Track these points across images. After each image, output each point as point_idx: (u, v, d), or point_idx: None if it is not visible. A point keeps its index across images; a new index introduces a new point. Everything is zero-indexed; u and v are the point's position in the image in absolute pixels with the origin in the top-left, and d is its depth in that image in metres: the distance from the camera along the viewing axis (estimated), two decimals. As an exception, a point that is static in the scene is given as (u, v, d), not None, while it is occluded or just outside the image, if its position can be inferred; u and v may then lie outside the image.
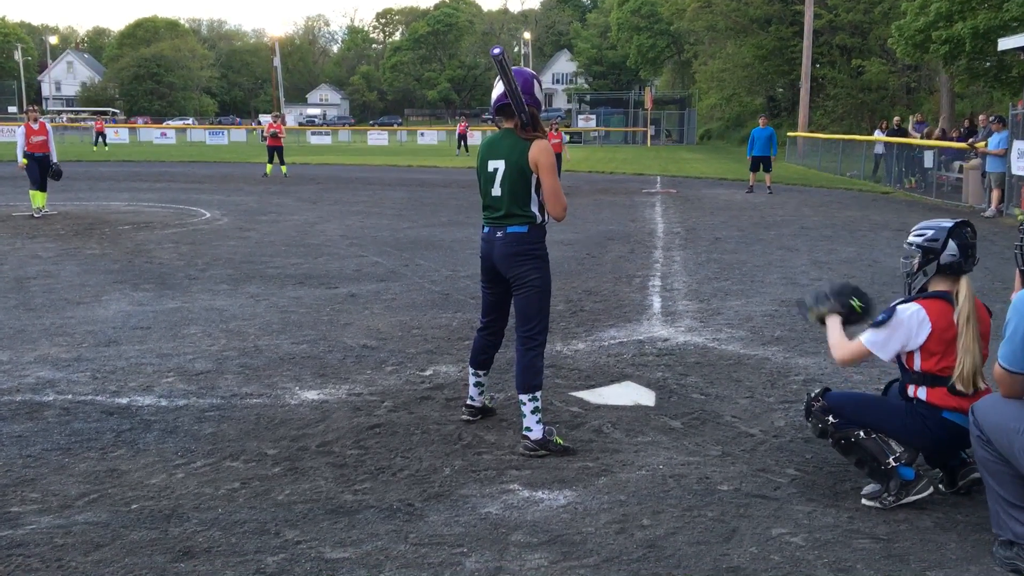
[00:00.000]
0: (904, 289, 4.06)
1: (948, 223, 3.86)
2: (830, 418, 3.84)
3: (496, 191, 4.42)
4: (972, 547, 3.42)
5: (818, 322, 4.18)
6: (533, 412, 4.30)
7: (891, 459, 3.73)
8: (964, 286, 3.77)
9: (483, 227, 4.56)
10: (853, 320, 4.13)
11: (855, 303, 4.10)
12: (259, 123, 72.47)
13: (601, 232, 13.21)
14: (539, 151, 4.32)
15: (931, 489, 3.78)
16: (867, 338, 3.85)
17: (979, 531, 3.53)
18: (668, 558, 3.29)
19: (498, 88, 4.38)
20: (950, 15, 22.25)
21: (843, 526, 3.57)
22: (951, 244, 3.78)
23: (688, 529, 3.53)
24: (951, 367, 3.71)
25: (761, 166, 20.50)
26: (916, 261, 3.90)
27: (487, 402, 4.85)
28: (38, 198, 14.35)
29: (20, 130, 14.43)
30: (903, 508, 3.72)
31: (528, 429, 4.31)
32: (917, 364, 3.78)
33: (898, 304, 3.84)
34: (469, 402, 4.81)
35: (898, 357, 3.86)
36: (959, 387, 3.69)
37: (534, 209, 4.39)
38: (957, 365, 3.70)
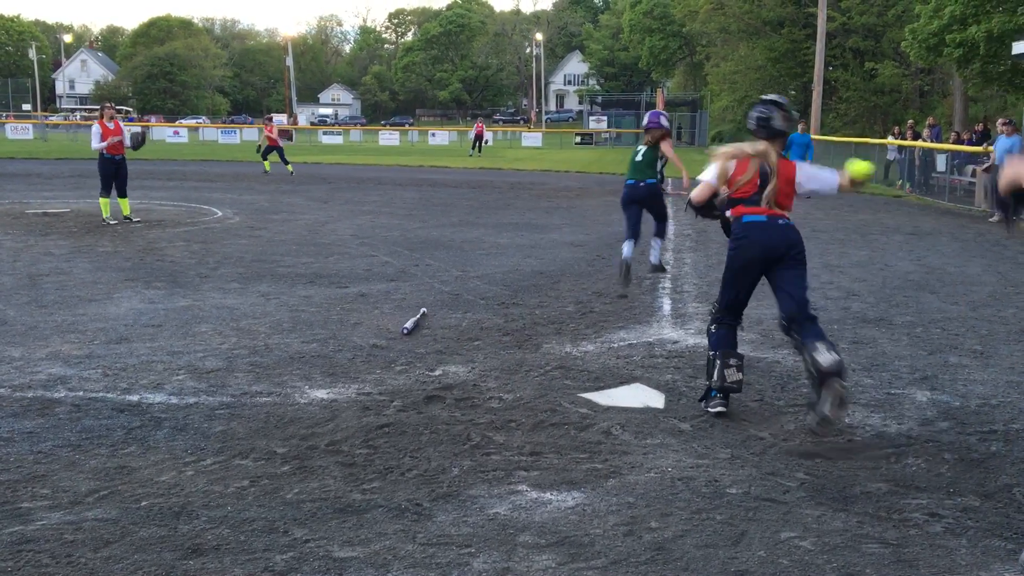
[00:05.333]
0: None
1: (759, 100, 5.14)
2: None
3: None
4: (982, 553, 3.40)
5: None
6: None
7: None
8: (759, 144, 4.97)
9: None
10: None
11: None
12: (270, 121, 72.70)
13: (611, 234, 13.19)
14: None
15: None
16: (701, 176, 5.15)
17: (989, 537, 3.52)
18: (676, 561, 3.28)
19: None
20: (964, 18, 22.18)
21: (852, 530, 3.56)
22: (751, 117, 5.05)
23: (696, 532, 3.52)
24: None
25: None
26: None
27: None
28: (107, 206, 13.25)
29: (96, 129, 13.10)
30: (913, 513, 3.71)
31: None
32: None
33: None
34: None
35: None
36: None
37: None
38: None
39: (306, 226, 13.44)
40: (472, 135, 43.44)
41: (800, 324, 4.77)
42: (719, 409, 4.94)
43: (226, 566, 3.19)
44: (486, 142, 43.32)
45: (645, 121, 9.02)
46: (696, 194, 5.15)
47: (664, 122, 8.84)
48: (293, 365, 5.83)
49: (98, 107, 14.74)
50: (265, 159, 24.82)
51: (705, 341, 6.53)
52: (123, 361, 5.83)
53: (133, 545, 3.33)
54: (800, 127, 20.76)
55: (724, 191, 5.01)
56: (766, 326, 7.16)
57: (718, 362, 4.90)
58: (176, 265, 9.67)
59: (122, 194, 13.41)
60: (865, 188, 23.67)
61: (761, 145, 4.96)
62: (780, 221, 4.97)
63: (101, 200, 13.38)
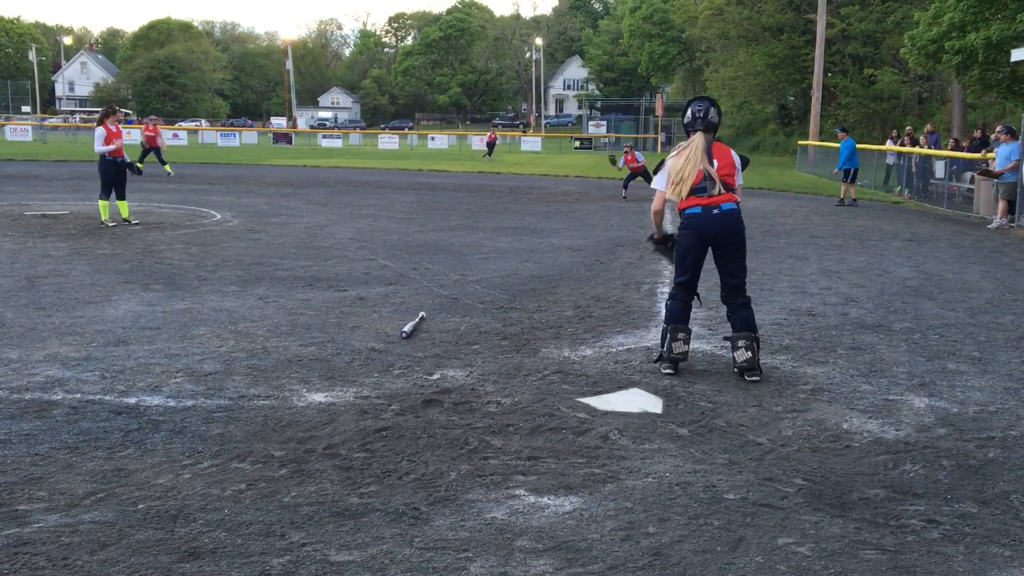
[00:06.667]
0: None
1: (692, 98, 6.17)
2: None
3: None
4: (980, 560, 3.40)
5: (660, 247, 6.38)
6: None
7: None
8: (695, 136, 5.89)
9: None
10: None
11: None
12: (271, 125, 72.75)
13: (610, 238, 13.21)
14: None
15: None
16: (654, 184, 6.13)
17: (987, 544, 3.52)
18: (674, 566, 3.28)
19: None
20: (963, 25, 22.22)
21: (850, 537, 3.56)
22: (687, 112, 5.98)
23: (694, 537, 3.52)
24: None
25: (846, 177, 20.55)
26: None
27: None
28: (106, 208, 13.25)
29: (100, 132, 13.03)
30: (911, 520, 3.71)
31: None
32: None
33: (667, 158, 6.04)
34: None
35: None
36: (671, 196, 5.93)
37: None
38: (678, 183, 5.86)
39: (305, 229, 13.44)
40: (485, 141, 45.12)
41: (731, 307, 5.94)
42: (668, 371, 5.86)
43: (223, 569, 3.18)
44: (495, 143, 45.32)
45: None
46: (655, 204, 6.12)
47: None
48: (291, 368, 5.83)
49: (99, 110, 14.71)
50: (155, 160, 24.86)
51: (705, 346, 6.57)
52: (121, 363, 5.83)
53: (130, 548, 3.33)
54: (843, 135, 20.99)
55: (676, 195, 5.88)
56: (764, 331, 7.15)
57: (668, 336, 5.87)
58: (174, 268, 9.66)
59: (121, 196, 13.44)
60: (864, 193, 23.71)
61: (696, 137, 5.86)
62: (715, 211, 5.77)
63: (100, 202, 13.38)
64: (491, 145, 44.11)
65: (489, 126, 52.99)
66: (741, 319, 5.88)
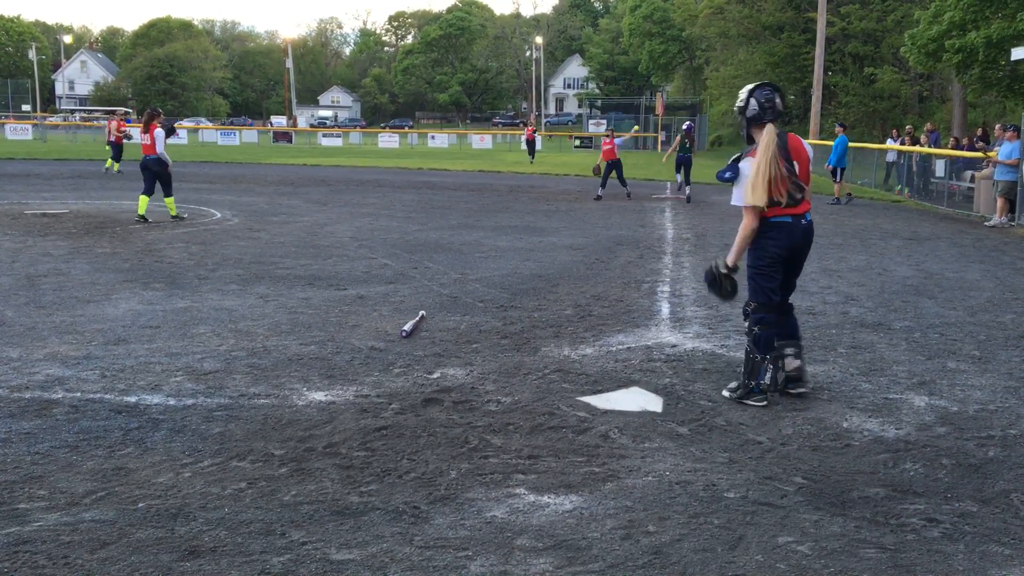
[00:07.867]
0: (744, 142, 5.40)
1: (751, 86, 5.30)
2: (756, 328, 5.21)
3: None
4: (980, 559, 3.40)
5: (725, 280, 5.39)
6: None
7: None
8: (766, 130, 5.13)
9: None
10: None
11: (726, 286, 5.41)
12: (271, 124, 72.70)
13: (610, 237, 13.20)
14: None
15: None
16: (735, 200, 5.21)
17: (987, 542, 3.52)
18: (673, 565, 3.28)
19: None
20: (963, 24, 22.21)
21: (850, 535, 3.56)
22: (752, 102, 5.20)
23: (694, 536, 3.52)
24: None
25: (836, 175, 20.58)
26: (740, 120, 5.31)
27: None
28: (173, 204, 14.15)
29: (161, 133, 13.78)
30: (911, 518, 3.71)
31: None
32: None
33: (738, 162, 5.19)
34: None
35: None
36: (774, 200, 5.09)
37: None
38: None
39: (305, 228, 13.44)
40: (524, 139, 41.41)
41: (785, 313, 5.43)
42: (764, 402, 5.23)
43: (223, 568, 3.19)
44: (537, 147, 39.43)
45: (684, 127, 20.54)
46: (750, 223, 5.16)
47: (692, 130, 20.27)
48: (291, 367, 5.83)
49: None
50: (117, 160, 24.97)
51: (705, 345, 6.56)
52: (121, 362, 5.83)
53: (130, 546, 3.33)
54: (839, 131, 21.05)
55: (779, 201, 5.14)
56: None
57: (775, 362, 5.23)
58: (175, 266, 9.66)
59: (148, 193, 13.87)
60: (864, 192, 23.63)
61: (771, 134, 5.13)
62: (803, 221, 5.25)
63: (167, 200, 13.99)
64: (531, 144, 38.85)
65: (530, 124, 48.40)
66: (792, 325, 5.43)
